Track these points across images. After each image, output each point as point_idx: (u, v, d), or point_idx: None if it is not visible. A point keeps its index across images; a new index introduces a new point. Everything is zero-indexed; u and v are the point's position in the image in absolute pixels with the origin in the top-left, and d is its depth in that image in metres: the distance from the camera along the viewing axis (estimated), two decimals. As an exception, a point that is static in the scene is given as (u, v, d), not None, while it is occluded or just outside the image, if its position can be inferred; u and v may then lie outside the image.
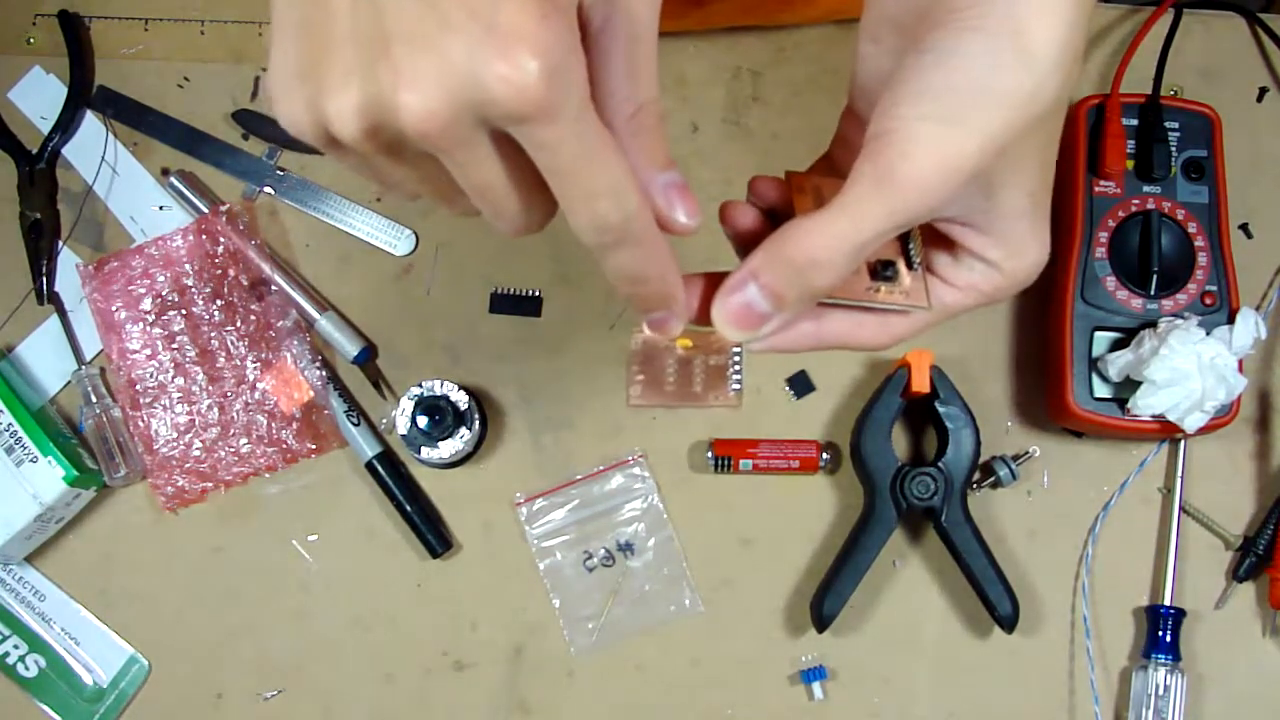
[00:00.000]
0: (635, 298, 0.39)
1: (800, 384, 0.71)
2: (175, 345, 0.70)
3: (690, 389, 0.69)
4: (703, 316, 0.41)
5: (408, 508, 0.68)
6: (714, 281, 0.41)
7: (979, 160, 0.36)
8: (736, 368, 0.69)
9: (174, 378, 0.70)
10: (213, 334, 0.70)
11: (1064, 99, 0.38)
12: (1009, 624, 0.65)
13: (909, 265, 0.43)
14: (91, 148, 0.73)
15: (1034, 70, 0.36)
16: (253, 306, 0.71)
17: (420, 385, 0.68)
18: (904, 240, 0.43)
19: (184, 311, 0.70)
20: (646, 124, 0.37)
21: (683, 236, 0.38)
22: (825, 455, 0.69)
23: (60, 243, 0.72)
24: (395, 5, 0.32)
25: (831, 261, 0.38)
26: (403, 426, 0.67)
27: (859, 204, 0.37)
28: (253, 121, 0.73)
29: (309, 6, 0.33)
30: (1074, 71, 0.37)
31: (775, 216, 0.44)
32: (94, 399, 0.69)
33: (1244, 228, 0.72)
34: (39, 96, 0.74)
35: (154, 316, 0.70)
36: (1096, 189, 0.67)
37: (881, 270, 0.42)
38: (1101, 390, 0.66)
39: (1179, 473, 0.69)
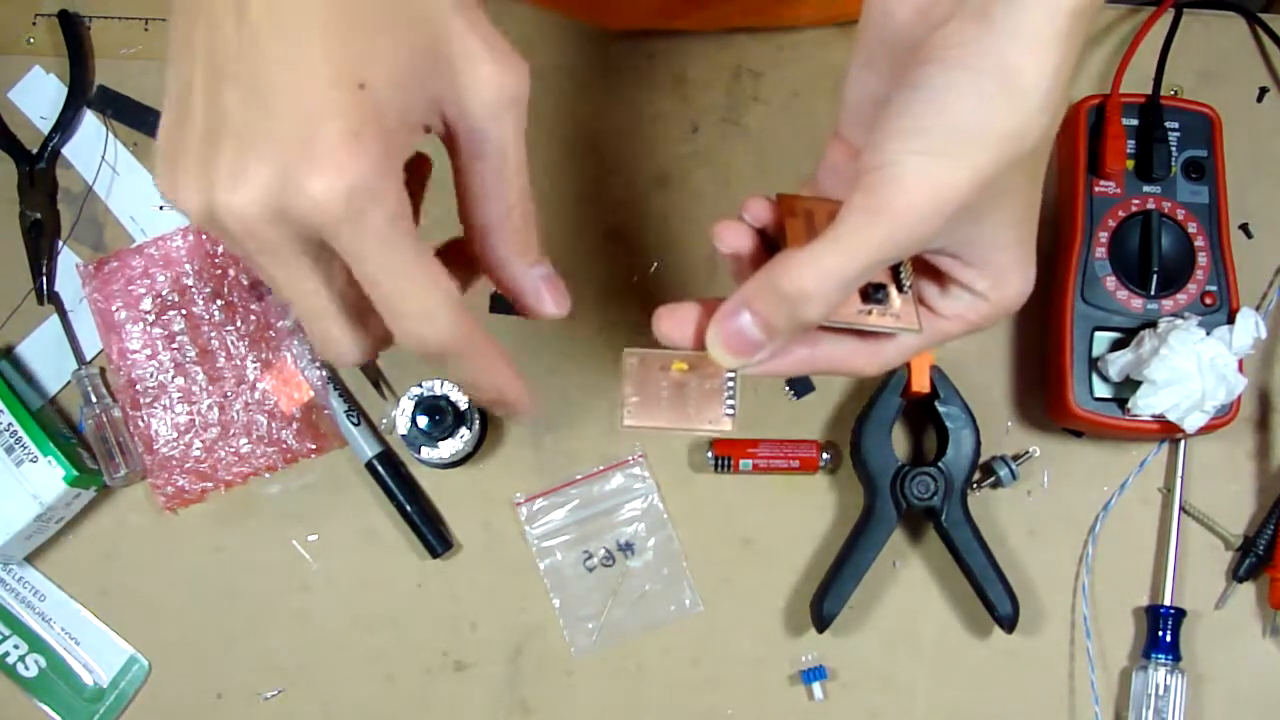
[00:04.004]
0: (474, 399, 0.42)
1: (800, 384, 0.71)
2: (175, 345, 0.70)
3: (684, 411, 0.68)
4: (698, 342, 0.42)
5: (408, 508, 0.68)
6: (709, 308, 0.42)
7: (969, 193, 0.37)
8: (730, 392, 0.68)
9: (174, 378, 0.70)
10: (213, 334, 0.70)
11: (1051, 134, 0.39)
12: (1009, 624, 0.65)
13: (899, 289, 0.43)
14: (91, 148, 0.73)
15: (1022, 108, 0.37)
16: (253, 306, 0.71)
17: (420, 385, 0.68)
18: (895, 265, 0.43)
19: (184, 311, 0.70)
20: (515, 224, 0.40)
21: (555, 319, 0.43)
22: (825, 455, 0.69)
23: (60, 243, 0.72)
24: (234, 105, 0.34)
25: (823, 294, 0.39)
26: (403, 426, 0.67)
27: (852, 237, 0.38)
28: (253, 121, 0.73)
29: (178, 97, 0.37)
30: (1061, 108, 0.38)
31: (766, 237, 0.44)
32: (94, 399, 0.69)
33: (1244, 228, 0.72)
34: (39, 96, 0.74)
35: (154, 316, 0.70)
36: (1096, 189, 0.67)
37: (873, 293, 0.43)
38: (1101, 390, 0.66)
39: (1179, 473, 0.69)
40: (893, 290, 0.43)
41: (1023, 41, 0.36)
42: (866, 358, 0.45)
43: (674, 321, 0.43)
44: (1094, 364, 0.66)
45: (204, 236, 0.71)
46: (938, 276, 0.44)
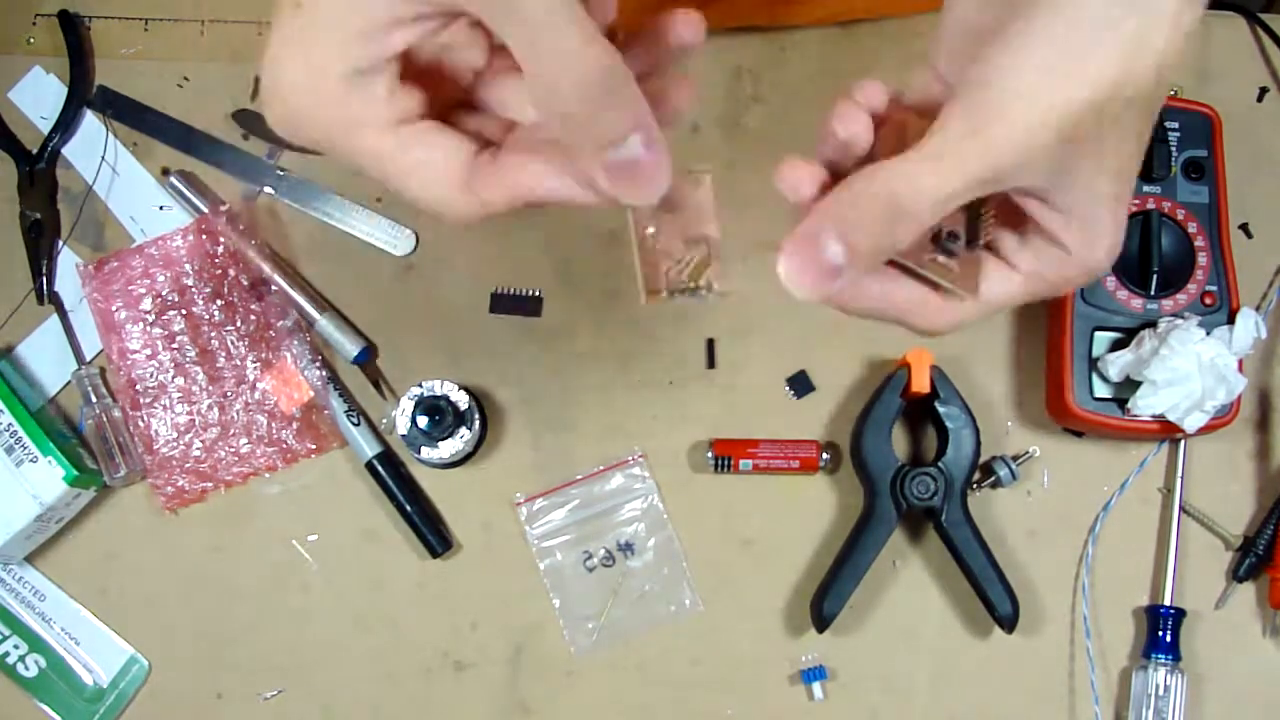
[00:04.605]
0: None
1: (800, 384, 0.71)
2: (175, 345, 0.70)
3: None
4: (807, 206, 0.38)
5: (408, 508, 0.68)
6: (828, 185, 0.38)
7: (1079, 114, 0.35)
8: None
9: (174, 378, 0.70)
10: (213, 334, 0.70)
11: (1165, 74, 0.36)
12: (1009, 624, 0.65)
13: (971, 242, 0.40)
14: (91, 148, 0.73)
15: (1146, 19, 0.35)
16: (253, 306, 0.71)
17: (420, 385, 0.68)
18: (974, 215, 0.40)
19: (184, 311, 0.70)
20: (568, 107, 0.35)
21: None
22: (825, 455, 0.69)
23: (60, 243, 0.72)
24: None
25: (916, 212, 0.35)
26: (403, 426, 0.67)
27: (953, 154, 0.35)
28: (252, 121, 0.73)
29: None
30: (1180, 43, 0.36)
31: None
32: (94, 399, 0.69)
33: (1244, 228, 0.72)
34: (39, 96, 0.74)
35: (154, 316, 0.70)
36: (1096, 189, 0.67)
37: (945, 239, 0.39)
38: (1101, 390, 0.66)
39: (1179, 473, 0.69)
40: (961, 244, 0.39)
41: None
42: (937, 311, 0.41)
43: (798, 176, 0.39)
44: (1094, 364, 0.66)
45: (204, 236, 0.71)
46: (1019, 224, 0.40)
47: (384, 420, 0.70)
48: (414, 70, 0.39)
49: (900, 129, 0.40)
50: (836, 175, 0.39)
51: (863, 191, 0.36)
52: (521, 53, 0.35)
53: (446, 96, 0.41)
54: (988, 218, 0.40)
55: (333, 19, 0.36)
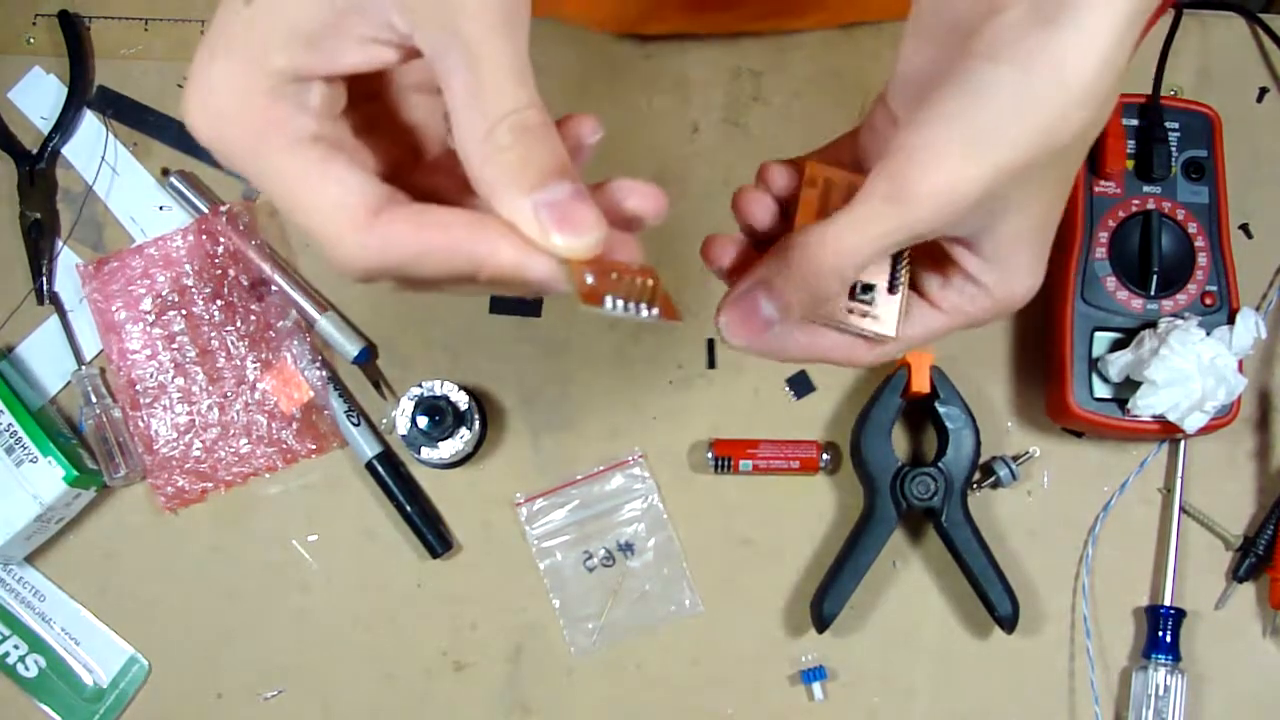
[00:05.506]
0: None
1: (800, 384, 0.71)
2: (175, 345, 0.70)
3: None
4: (733, 272, 0.42)
5: (408, 508, 0.68)
6: (746, 251, 0.42)
7: (993, 184, 0.37)
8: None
9: (174, 378, 0.70)
10: (213, 334, 0.70)
11: (1089, 135, 0.38)
12: (1009, 624, 0.65)
13: (891, 288, 0.43)
14: (91, 148, 0.73)
15: (1061, 104, 0.36)
16: (253, 306, 0.71)
17: (420, 385, 0.68)
18: (894, 259, 0.43)
19: (184, 311, 0.71)
20: (502, 143, 0.34)
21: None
22: (825, 455, 0.69)
23: (60, 243, 0.72)
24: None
25: (837, 272, 0.39)
26: (403, 426, 0.67)
27: (871, 219, 0.38)
28: (253, 121, 0.73)
29: None
30: (1105, 109, 0.37)
31: (784, 207, 0.44)
32: (94, 399, 0.69)
33: (1244, 228, 0.72)
34: (39, 96, 0.74)
35: (154, 316, 0.70)
36: (1096, 189, 0.67)
37: (860, 292, 0.43)
38: (1101, 390, 0.66)
39: (1179, 473, 0.69)
40: (880, 291, 0.43)
41: (1080, 43, 0.36)
42: (860, 353, 0.45)
43: (719, 249, 0.43)
44: (1094, 364, 0.66)
45: (204, 236, 0.71)
46: (942, 266, 0.43)
47: (384, 420, 0.71)
48: (369, 126, 0.39)
49: (826, 191, 0.43)
50: (757, 240, 0.44)
51: (792, 254, 0.39)
52: (457, 91, 0.34)
53: (398, 159, 0.40)
54: (904, 264, 0.43)
55: (283, 19, 0.35)
